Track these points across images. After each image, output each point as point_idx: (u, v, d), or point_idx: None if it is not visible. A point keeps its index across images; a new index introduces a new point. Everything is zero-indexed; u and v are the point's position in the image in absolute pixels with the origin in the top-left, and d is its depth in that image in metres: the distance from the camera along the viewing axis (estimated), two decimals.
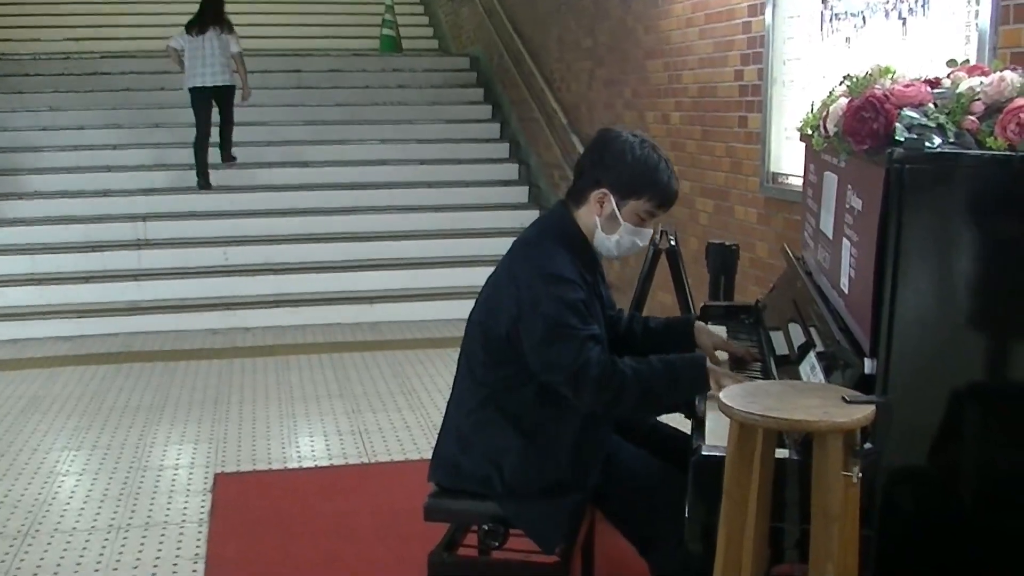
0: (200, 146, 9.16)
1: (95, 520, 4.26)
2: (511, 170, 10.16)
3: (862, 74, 2.53)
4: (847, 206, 2.54)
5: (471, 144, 10.44)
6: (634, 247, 2.86)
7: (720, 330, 3.47)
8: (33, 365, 6.88)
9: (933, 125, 2.20)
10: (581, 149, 8.10)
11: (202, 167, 9.19)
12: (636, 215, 2.81)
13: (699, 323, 3.13)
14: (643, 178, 2.77)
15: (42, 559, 3.90)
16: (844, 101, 2.49)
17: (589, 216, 2.83)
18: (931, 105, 2.29)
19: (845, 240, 2.55)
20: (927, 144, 2.16)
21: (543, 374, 2.72)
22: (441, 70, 11.93)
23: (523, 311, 2.71)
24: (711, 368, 2.76)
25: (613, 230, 2.82)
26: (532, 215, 9.14)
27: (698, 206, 6.36)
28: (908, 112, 2.23)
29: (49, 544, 4.03)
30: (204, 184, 9.22)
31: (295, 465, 4.94)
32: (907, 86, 2.32)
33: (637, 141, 2.80)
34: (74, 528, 4.18)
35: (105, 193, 9.16)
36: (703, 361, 2.77)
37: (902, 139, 2.17)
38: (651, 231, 2.89)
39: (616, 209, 2.79)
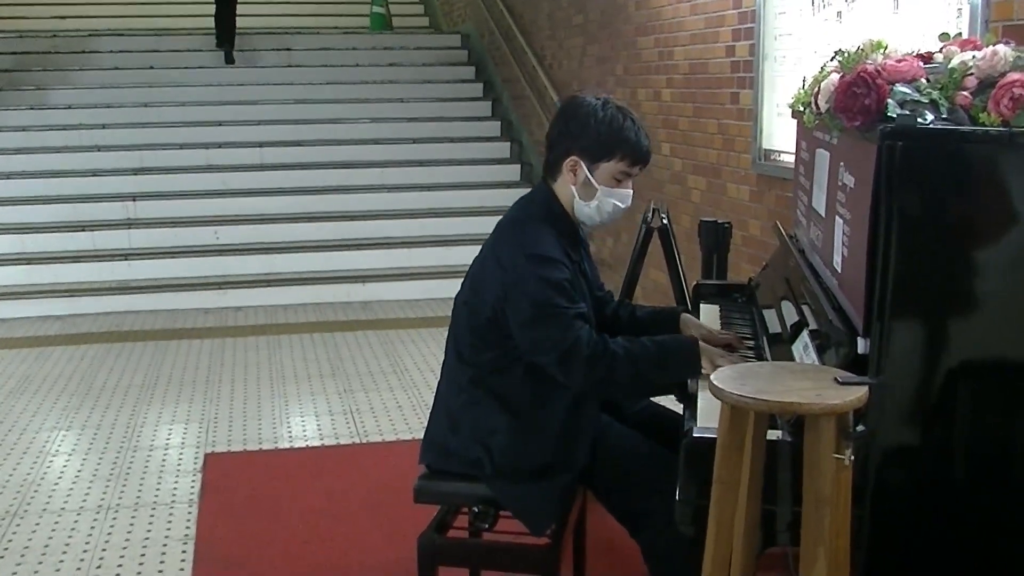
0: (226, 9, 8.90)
1: (84, 500, 4.24)
2: (503, 148, 10.12)
3: (853, 49, 2.49)
4: (839, 183, 2.52)
5: (463, 122, 10.38)
6: (616, 211, 2.83)
7: (713, 309, 3.45)
8: (23, 344, 6.85)
9: (926, 101, 2.17)
10: None
11: (227, 31, 8.92)
12: (611, 177, 2.78)
13: (685, 315, 3.10)
14: (610, 139, 2.75)
15: (30, 539, 3.88)
16: (835, 77, 2.46)
17: (565, 187, 2.81)
18: (923, 80, 2.26)
19: (838, 218, 2.52)
20: (920, 120, 2.13)
21: (531, 355, 2.70)
22: (432, 48, 11.86)
23: (508, 292, 2.69)
24: (705, 348, 2.74)
25: (590, 196, 2.79)
26: (524, 193, 9.11)
27: (690, 184, 6.33)
28: (900, 88, 2.20)
29: (38, 524, 4.01)
30: (229, 56, 9.01)
31: (286, 445, 4.93)
32: (899, 61, 2.29)
33: (600, 103, 2.78)
34: (63, 508, 4.16)
35: (94, 173, 9.10)
36: (695, 343, 2.75)
37: (894, 115, 2.14)
38: (630, 191, 2.85)
39: (588, 174, 2.77)
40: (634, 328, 3.03)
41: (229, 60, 10.39)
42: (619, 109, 2.80)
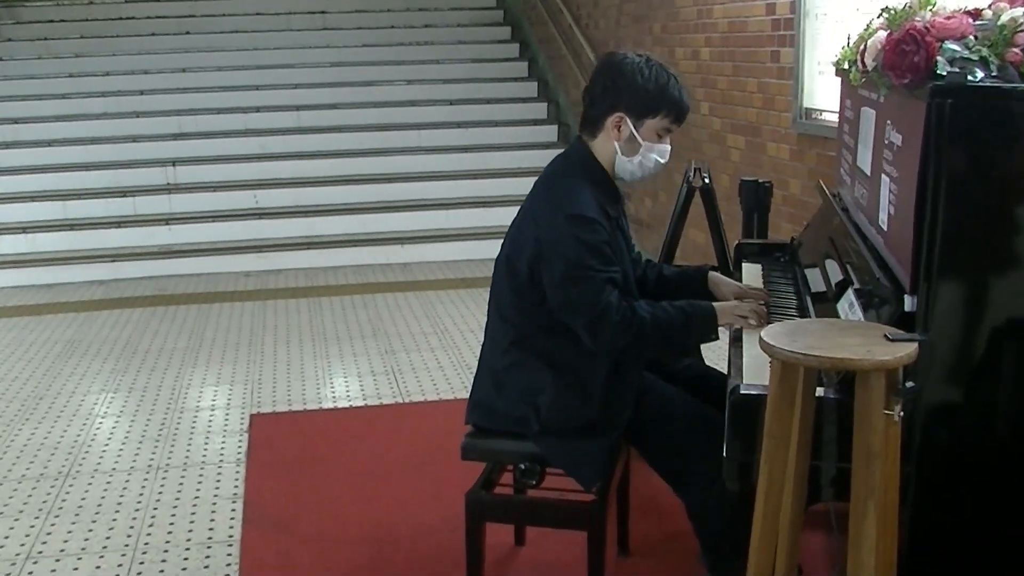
0: None
1: (134, 461, 4.32)
2: (540, 109, 10.09)
3: (901, 6, 2.47)
4: (886, 141, 2.51)
5: (499, 83, 10.36)
6: (657, 165, 2.85)
7: (755, 268, 3.45)
8: (68, 309, 6.95)
9: (975, 58, 2.16)
10: None
11: None
12: (654, 133, 2.80)
13: (713, 273, 3.13)
14: (657, 96, 2.77)
15: (83, 499, 3.96)
16: (883, 34, 2.45)
17: (607, 143, 2.82)
18: (972, 37, 2.24)
19: (884, 176, 2.52)
20: (969, 78, 2.12)
21: (561, 314, 2.73)
22: (467, 8, 11.77)
23: (544, 250, 2.72)
24: (726, 306, 2.82)
25: (634, 152, 2.80)
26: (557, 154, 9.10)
27: (729, 143, 6.30)
28: (950, 45, 2.19)
29: (90, 484, 4.09)
30: None
31: (330, 405, 4.98)
32: (948, 18, 2.27)
33: (643, 60, 2.79)
34: (114, 468, 4.24)
35: (134, 139, 9.17)
36: (712, 310, 2.80)
37: (944, 73, 2.13)
38: (669, 147, 2.87)
39: (634, 130, 2.78)
40: (662, 287, 3.07)
41: None
42: (661, 66, 2.81)
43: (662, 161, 2.86)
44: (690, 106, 2.87)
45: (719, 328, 2.81)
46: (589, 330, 2.70)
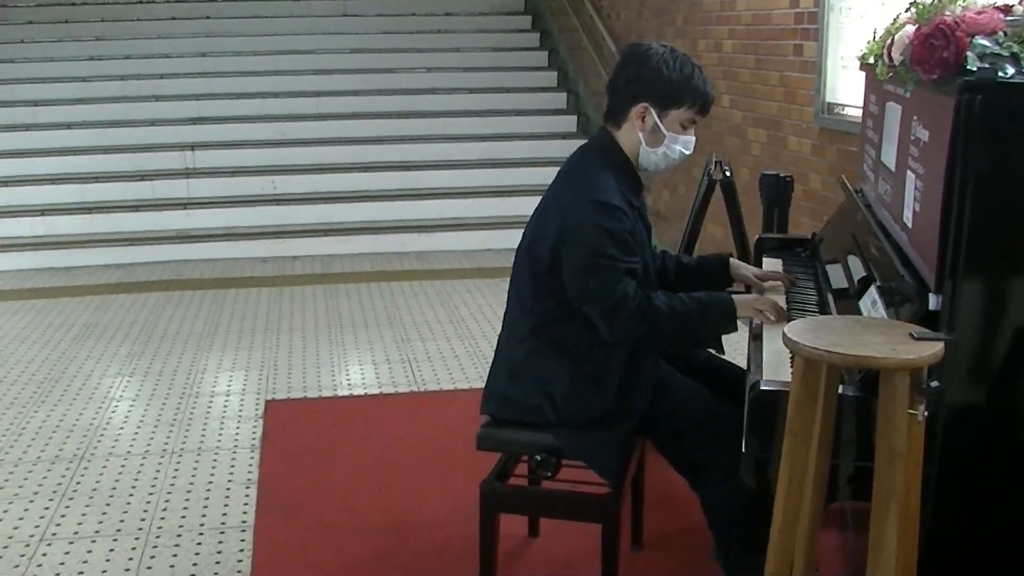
0: None
1: (149, 444, 4.32)
2: (559, 99, 10.05)
3: (929, 0, 2.44)
4: (912, 137, 2.48)
5: (519, 72, 10.33)
6: (681, 156, 2.85)
7: (776, 263, 3.43)
8: (85, 292, 6.97)
9: (1006, 54, 2.12)
10: None
11: None
12: (678, 124, 2.80)
13: (735, 260, 3.13)
14: (681, 87, 2.76)
15: (98, 481, 3.97)
16: (911, 29, 2.42)
17: (631, 134, 2.80)
18: (1003, 33, 2.21)
19: (909, 172, 2.48)
20: (1000, 74, 2.09)
21: (579, 302, 2.72)
22: None
23: (566, 237, 2.71)
24: (746, 299, 2.81)
25: (658, 142, 2.80)
26: (582, 143, 9.06)
27: (750, 136, 6.26)
28: (980, 40, 2.15)
29: (104, 467, 4.10)
30: None
31: (345, 393, 4.98)
32: (979, 13, 2.23)
33: (668, 51, 2.79)
34: (128, 452, 4.25)
35: (152, 122, 9.18)
36: (731, 302, 2.78)
37: (974, 68, 2.10)
38: (694, 138, 2.86)
39: (658, 121, 2.77)
40: (683, 277, 3.06)
41: None
42: (686, 57, 2.80)
43: (687, 152, 2.85)
44: (713, 97, 2.85)
45: (738, 320, 2.78)
46: (605, 319, 2.69)
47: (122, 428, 4.52)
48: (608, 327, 2.70)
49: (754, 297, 2.87)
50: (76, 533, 3.55)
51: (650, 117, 2.77)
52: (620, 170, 2.81)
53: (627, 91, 2.80)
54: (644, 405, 2.81)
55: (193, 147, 8.87)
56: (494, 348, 3.01)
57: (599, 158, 2.83)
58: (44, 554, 3.40)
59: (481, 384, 3.02)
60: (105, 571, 3.30)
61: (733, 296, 2.82)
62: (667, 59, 2.75)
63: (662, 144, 2.79)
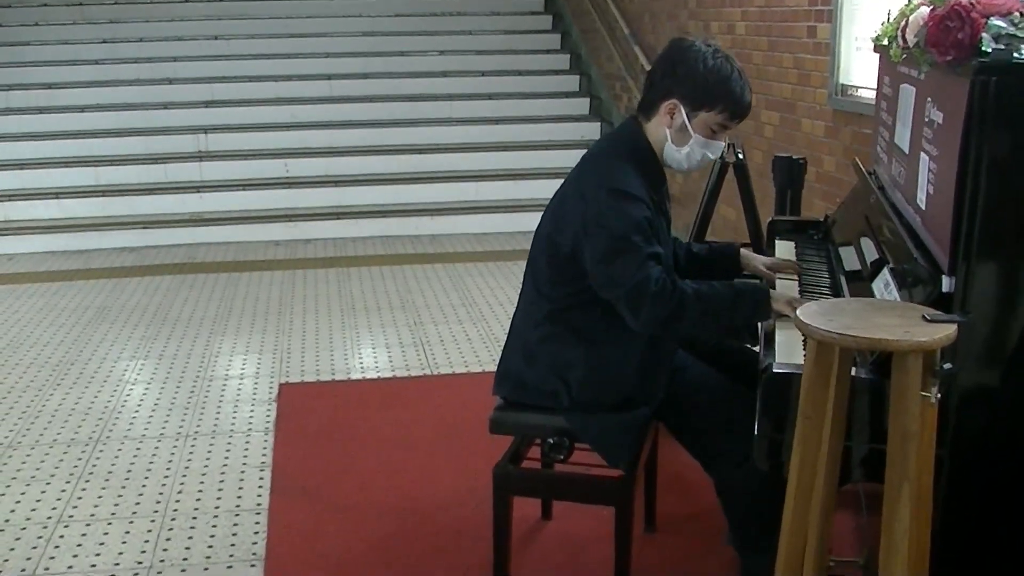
0: None
1: (164, 427, 4.34)
2: (572, 81, 10.03)
3: None
4: (926, 119, 2.47)
5: (531, 55, 10.31)
6: (704, 160, 2.81)
7: (788, 245, 3.42)
8: (99, 275, 6.99)
9: (1022, 35, 2.11)
10: (643, 60, 7.98)
11: None
12: (707, 127, 2.74)
13: (745, 251, 3.12)
14: (715, 89, 2.70)
15: (114, 464, 3.99)
16: (926, 10, 2.40)
17: (659, 128, 2.77)
18: (1019, 14, 2.19)
19: (923, 155, 2.48)
20: (1015, 55, 2.07)
21: (603, 290, 2.69)
22: None
23: (588, 225, 2.67)
24: (784, 294, 2.74)
25: (683, 142, 2.75)
26: (593, 127, 9.06)
27: (763, 119, 6.24)
28: (995, 21, 2.14)
29: (120, 450, 4.12)
30: None
31: (358, 376, 4.99)
32: None
33: (710, 51, 2.72)
34: (143, 435, 4.27)
35: (166, 106, 9.19)
36: (766, 290, 2.73)
37: (989, 50, 2.08)
38: (722, 144, 2.83)
39: (687, 120, 2.72)
40: (692, 265, 3.03)
41: None
42: (727, 59, 2.74)
43: (711, 157, 2.82)
44: (750, 104, 2.78)
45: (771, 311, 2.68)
46: (630, 304, 2.62)
47: (137, 411, 4.54)
48: (633, 312, 2.64)
49: (795, 296, 2.77)
50: (92, 515, 3.58)
51: (679, 115, 2.72)
52: (644, 162, 2.77)
53: (661, 85, 2.75)
54: (662, 392, 2.80)
55: (206, 130, 8.89)
56: (507, 331, 3.00)
57: (623, 149, 2.80)
58: (61, 536, 3.43)
59: (493, 367, 3.02)
60: (121, 553, 3.32)
61: (772, 290, 2.75)
62: (706, 58, 2.70)
63: (687, 144, 2.75)
